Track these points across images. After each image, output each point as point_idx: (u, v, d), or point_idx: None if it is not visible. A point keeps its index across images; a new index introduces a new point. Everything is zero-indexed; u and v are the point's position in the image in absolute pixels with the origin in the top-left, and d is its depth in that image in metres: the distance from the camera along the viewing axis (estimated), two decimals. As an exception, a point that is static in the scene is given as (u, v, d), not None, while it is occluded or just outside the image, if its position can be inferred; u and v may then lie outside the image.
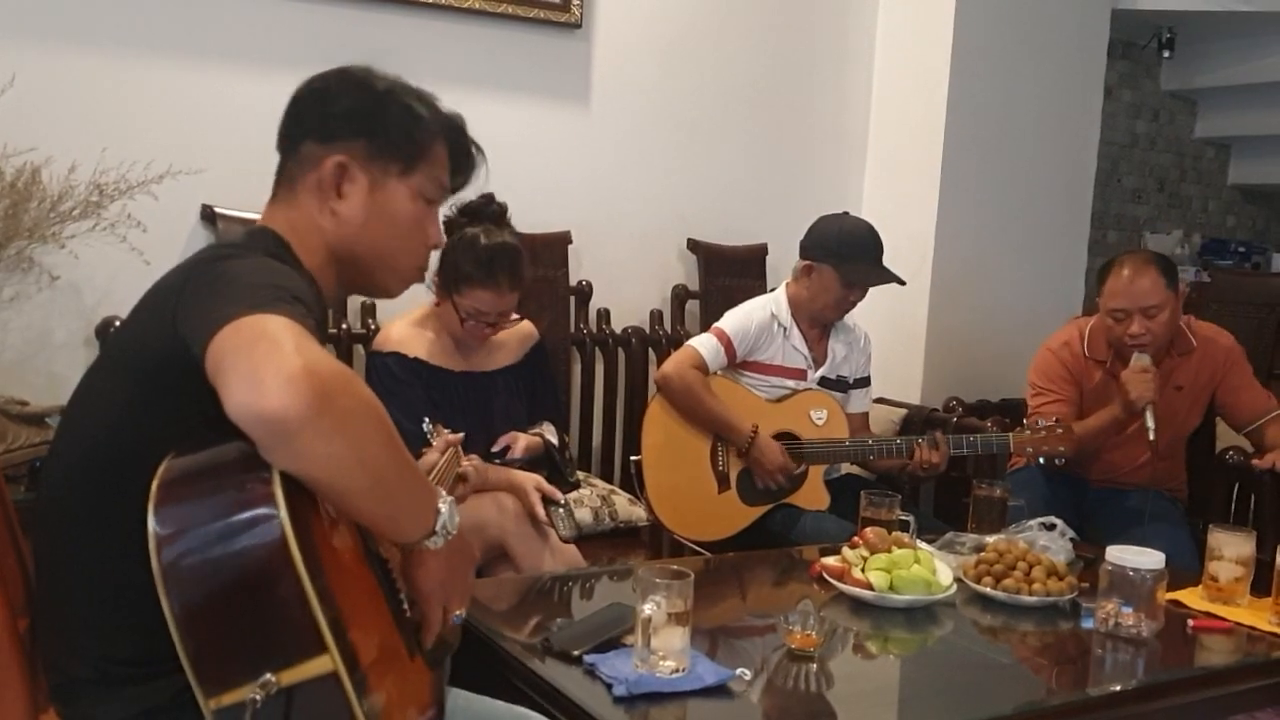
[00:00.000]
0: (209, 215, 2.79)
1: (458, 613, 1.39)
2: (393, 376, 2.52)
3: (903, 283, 2.96)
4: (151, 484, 1.12)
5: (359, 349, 2.95)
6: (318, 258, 1.42)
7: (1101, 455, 2.98)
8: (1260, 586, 2.16)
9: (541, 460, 2.64)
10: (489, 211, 2.56)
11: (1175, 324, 2.87)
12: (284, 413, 1.04)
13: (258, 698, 1.06)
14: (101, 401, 1.29)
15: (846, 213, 3.06)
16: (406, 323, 2.62)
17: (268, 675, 1.06)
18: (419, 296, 2.67)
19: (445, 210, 2.55)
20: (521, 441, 2.60)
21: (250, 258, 1.31)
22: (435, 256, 2.51)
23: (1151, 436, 2.69)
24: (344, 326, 2.93)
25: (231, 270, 1.23)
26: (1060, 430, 2.75)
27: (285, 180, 1.44)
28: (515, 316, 2.64)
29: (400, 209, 1.44)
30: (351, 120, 1.41)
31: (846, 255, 2.92)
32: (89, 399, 1.32)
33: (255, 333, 1.09)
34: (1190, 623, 2.09)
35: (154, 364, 1.22)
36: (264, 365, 1.05)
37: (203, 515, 1.10)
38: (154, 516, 1.10)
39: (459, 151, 1.51)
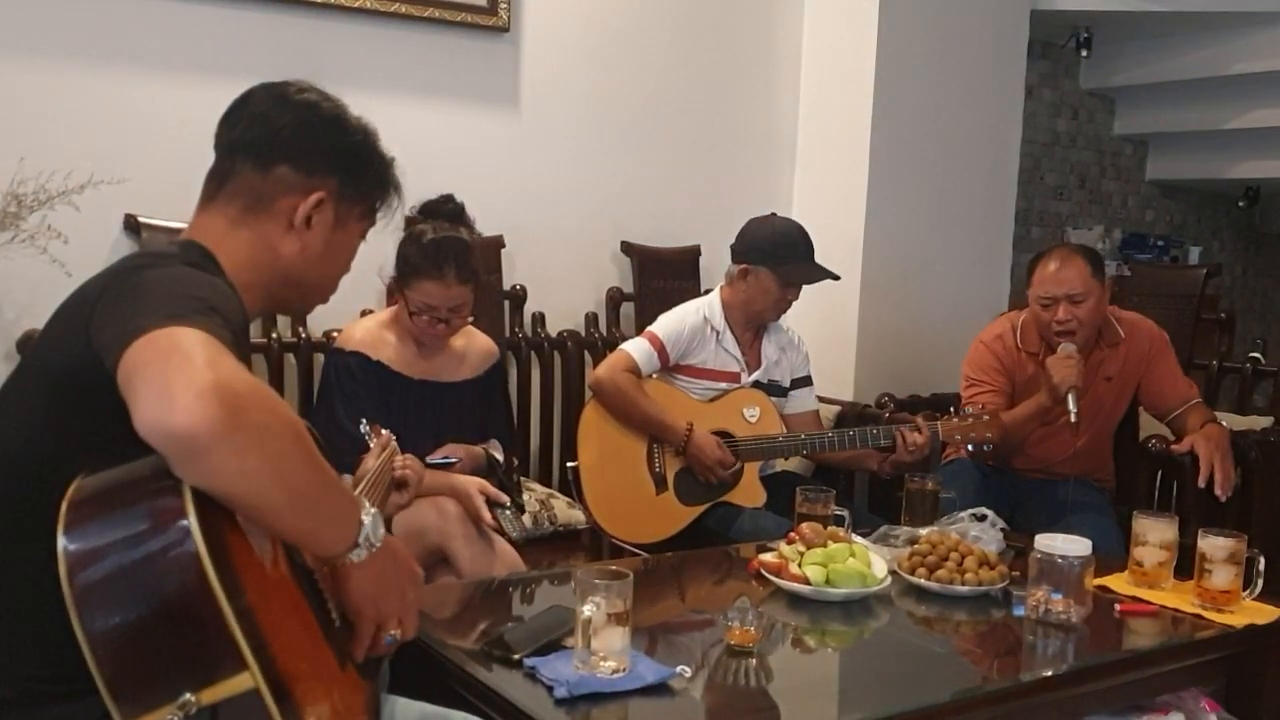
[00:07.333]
0: (133, 225, 2.75)
1: (392, 633, 1.34)
2: (350, 376, 2.49)
3: (837, 278, 3.00)
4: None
5: (289, 358, 2.91)
6: (255, 275, 1.41)
7: (1031, 447, 3.03)
8: (1183, 570, 2.22)
9: (483, 474, 2.61)
10: (446, 210, 2.56)
11: (1101, 313, 2.94)
12: (194, 429, 1.02)
13: (176, 719, 1.04)
14: (18, 415, 1.26)
15: (774, 214, 3.09)
16: (373, 324, 2.59)
17: (187, 695, 1.05)
18: (365, 301, 2.65)
19: (406, 209, 2.55)
20: (463, 451, 2.57)
21: (170, 266, 1.28)
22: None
23: (1073, 419, 2.77)
24: (274, 336, 2.89)
25: (148, 280, 1.21)
26: (986, 417, 2.82)
27: (243, 194, 1.42)
28: (471, 319, 2.62)
29: (350, 246, 1.53)
30: (333, 158, 1.46)
31: (782, 256, 2.94)
32: (5, 412, 1.29)
33: (167, 346, 1.07)
34: (1117, 607, 2.14)
35: (69, 376, 1.19)
36: (175, 380, 1.04)
37: (113, 536, 1.08)
38: (64, 538, 1.07)
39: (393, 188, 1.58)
